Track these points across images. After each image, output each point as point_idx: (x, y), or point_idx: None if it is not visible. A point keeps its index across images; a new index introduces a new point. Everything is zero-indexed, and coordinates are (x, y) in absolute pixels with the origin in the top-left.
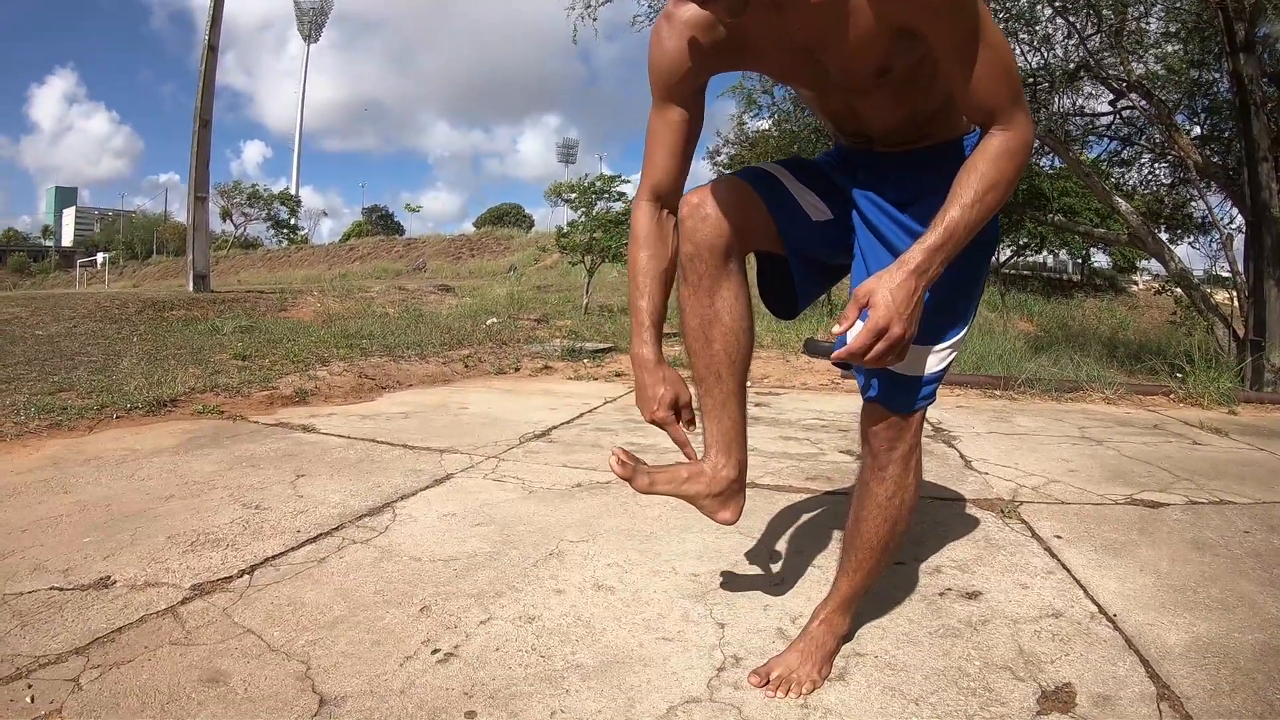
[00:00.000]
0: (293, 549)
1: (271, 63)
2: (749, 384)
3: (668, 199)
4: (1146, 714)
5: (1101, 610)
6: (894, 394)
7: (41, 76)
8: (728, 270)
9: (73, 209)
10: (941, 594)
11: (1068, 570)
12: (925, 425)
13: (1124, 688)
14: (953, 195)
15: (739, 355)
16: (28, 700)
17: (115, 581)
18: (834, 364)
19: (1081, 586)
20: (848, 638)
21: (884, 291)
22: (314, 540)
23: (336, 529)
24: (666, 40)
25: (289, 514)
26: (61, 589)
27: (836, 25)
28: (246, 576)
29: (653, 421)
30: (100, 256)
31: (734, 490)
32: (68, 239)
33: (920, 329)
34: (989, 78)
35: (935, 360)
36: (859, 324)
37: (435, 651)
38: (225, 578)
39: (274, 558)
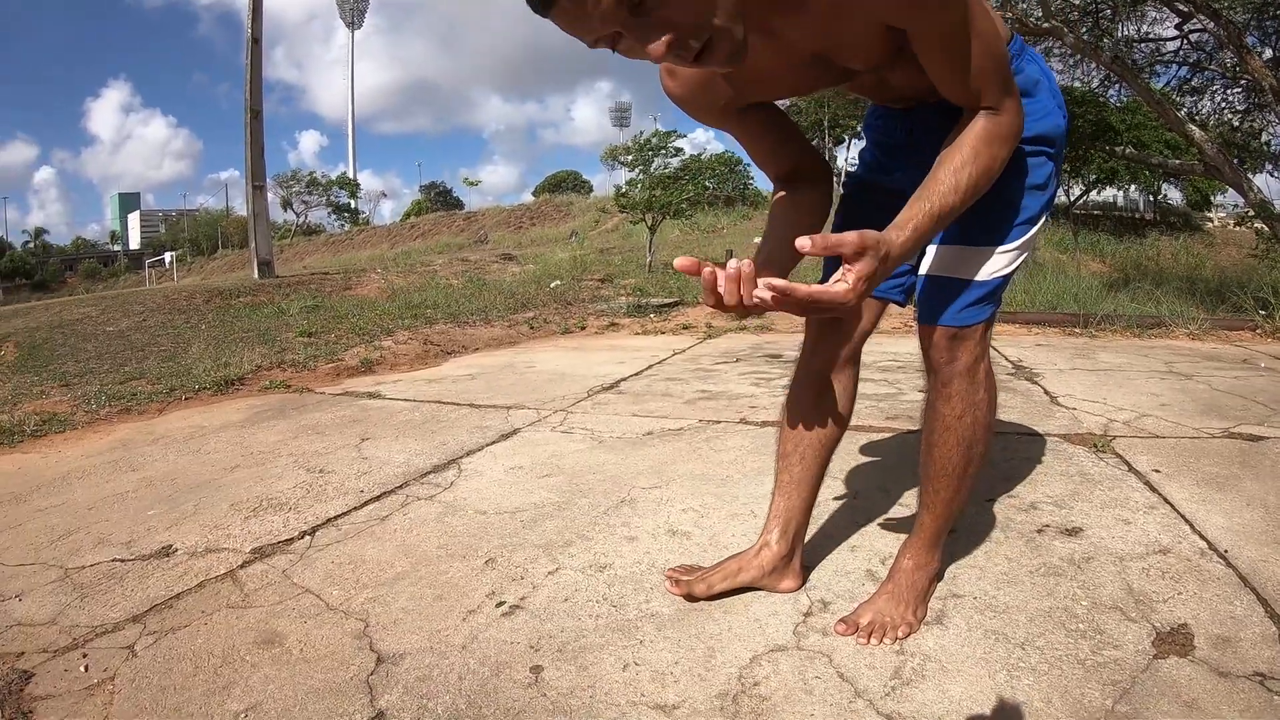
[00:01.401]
0: (355, 509)
1: (320, 53)
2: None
3: (795, 179)
4: (1271, 657)
5: (1211, 546)
6: (946, 303)
7: (96, 90)
8: (843, 372)
9: (137, 213)
10: (1039, 531)
11: (1171, 505)
12: (1006, 363)
13: (1244, 628)
14: (939, 175)
15: (828, 445)
16: (82, 670)
17: (176, 550)
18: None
19: (1187, 522)
20: (940, 575)
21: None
22: (377, 499)
23: (400, 487)
24: (676, 89)
25: (352, 475)
26: (124, 560)
27: (835, 33)
28: (308, 538)
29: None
30: (168, 255)
31: (786, 563)
32: (134, 242)
33: (972, 228)
34: (975, 66)
35: (995, 263)
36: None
37: (500, 604)
38: (286, 540)
39: (336, 518)
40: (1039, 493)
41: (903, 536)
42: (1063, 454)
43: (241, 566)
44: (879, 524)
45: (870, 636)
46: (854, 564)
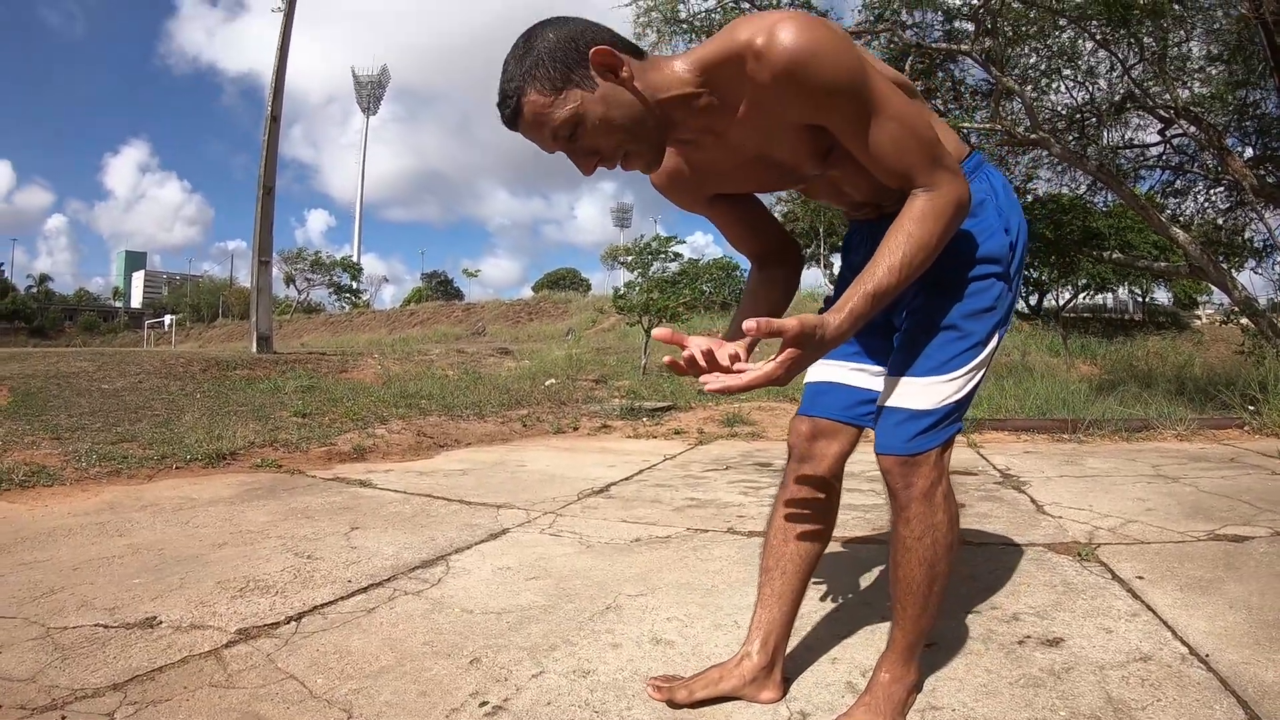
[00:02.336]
0: (342, 598)
1: (336, 135)
2: None
3: (766, 259)
4: None
5: (1192, 651)
6: (897, 432)
7: (116, 146)
8: (829, 488)
9: (142, 272)
10: (1020, 642)
11: (1153, 611)
12: (993, 471)
13: None
14: (878, 257)
15: (809, 560)
16: None
17: (160, 622)
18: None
19: (1169, 628)
20: (918, 687)
21: (785, 355)
22: (365, 590)
23: (388, 580)
24: (655, 180)
25: (341, 564)
26: (106, 626)
27: (764, 132)
28: (294, 623)
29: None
30: (168, 318)
31: (766, 674)
32: (136, 300)
33: (917, 358)
34: (895, 148)
35: (942, 391)
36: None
37: (484, 704)
38: (272, 623)
39: (323, 606)
40: (1021, 603)
41: (882, 646)
42: (1047, 564)
43: (226, 646)
44: (860, 636)
45: None
46: (834, 676)
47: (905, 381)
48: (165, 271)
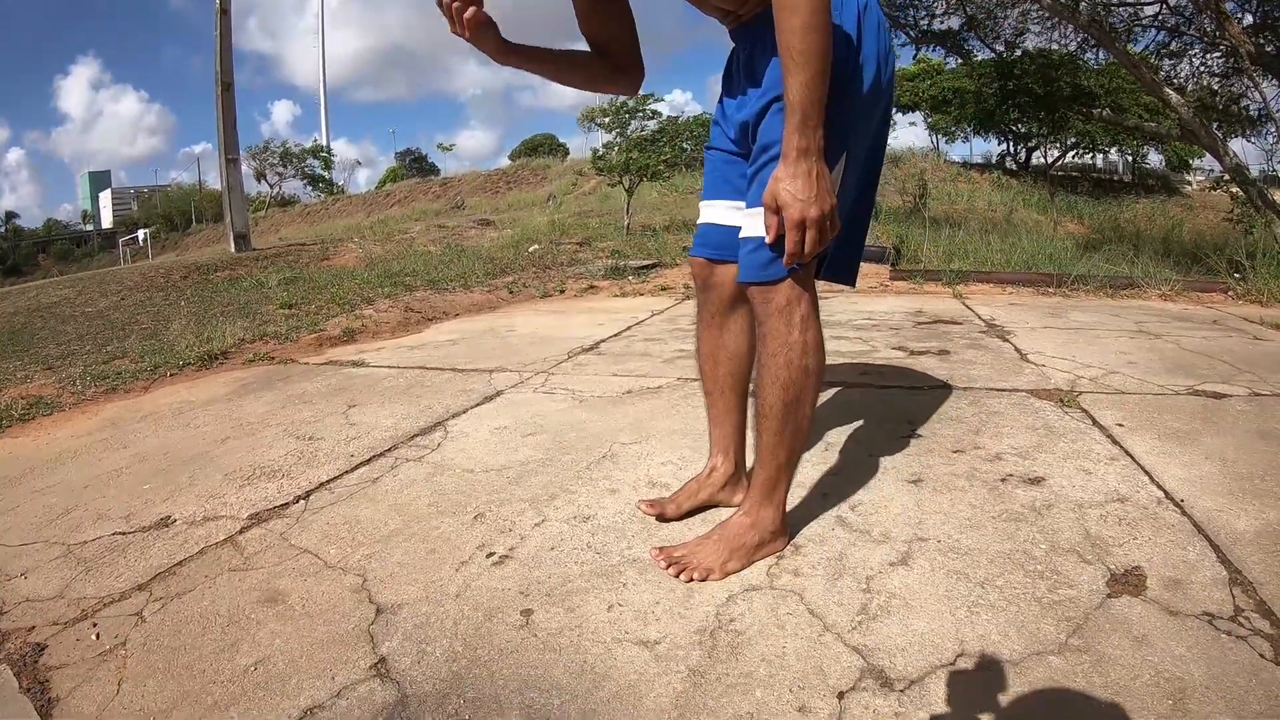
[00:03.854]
0: (347, 472)
1: (294, 22)
2: None
3: (604, 57)
4: (1220, 599)
5: (1168, 495)
6: (751, 260)
7: (64, 68)
8: (735, 313)
9: (108, 191)
10: (1003, 480)
11: (1131, 457)
12: (978, 321)
13: (1195, 572)
14: (784, 69)
15: (740, 376)
16: (93, 638)
17: (175, 520)
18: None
19: (1146, 473)
20: (778, 537)
21: (784, 190)
22: (367, 462)
23: (389, 450)
24: None
25: (342, 441)
26: (124, 533)
27: None
28: (302, 502)
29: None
30: (141, 233)
31: (735, 480)
32: (107, 221)
33: (752, 188)
34: None
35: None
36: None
37: (490, 555)
38: (281, 505)
39: (328, 482)
40: (1004, 444)
41: (874, 486)
42: (1029, 408)
43: (240, 532)
44: (850, 473)
45: (670, 566)
46: (824, 509)
47: (754, 211)
48: (132, 186)
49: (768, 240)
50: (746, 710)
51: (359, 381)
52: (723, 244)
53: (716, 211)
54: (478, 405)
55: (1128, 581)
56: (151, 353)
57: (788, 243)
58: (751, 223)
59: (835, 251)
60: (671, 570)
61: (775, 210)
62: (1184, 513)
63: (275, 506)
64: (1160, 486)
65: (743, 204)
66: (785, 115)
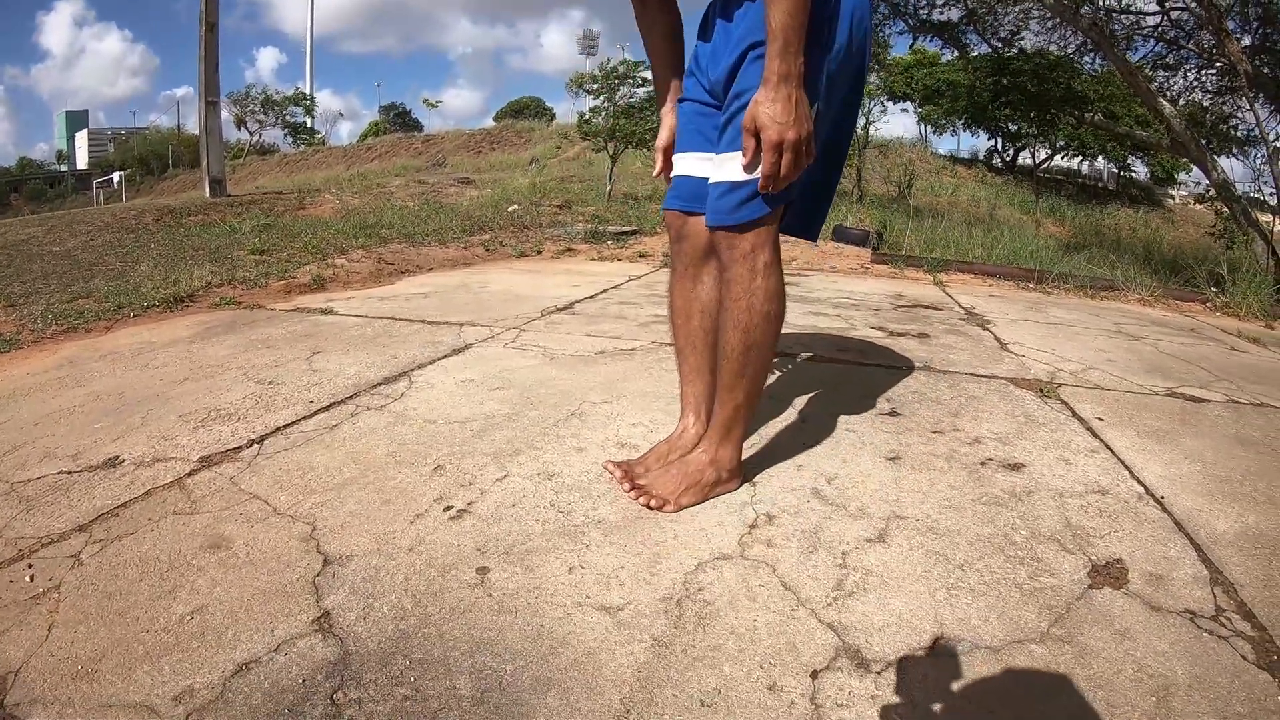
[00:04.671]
0: (304, 418)
1: None
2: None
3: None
4: (1201, 597)
5: (1148, 491)
6: (720, 204)
7: (48, 3)
8: (708, 265)
9: (85, 132)
10: (983, 463)
11: (1111, 451)
12: (958, 308)
13: (1176, 569)
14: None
15: (713, 330)
16: (27, 579)
17: (123, 461)
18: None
19: (1127, 467)
20: (734, 477)
21: (764, 112)
22: (326, 409)
23: (350, 398)
24: None
25: (302, 387)
26: (70, 472)
27: None
28: (256, 446)
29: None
30: (116, 175)
31: None
32: (82, 162)
33: (724, 134)
34: None
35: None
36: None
37: (448, 509)
38: (234, 448)
39: (285, 427)
40: (984, 429)
41: (850, 459)
42: (1009, 396)
43: (189, 475)
44: (826, 446)
45: (627, 483)
46: (799, 481)
47: (724, 156)
48: (110, 128)
49: (744, 161)
50: (714, 686)
51: (326, 329)
52: (695, 195)
53: (689, 163)
54: (445, 357)
55: (1109, 573)
56: (116, 294)
57: (764, 164)
58: (722, 168)
59: (798, 199)
60: (628, 489)
61: (754, 133)
62: (1164, 509)
63: (228, 450)
64: (1140, 482)
65: (714, 155)
66: (766, 42)
